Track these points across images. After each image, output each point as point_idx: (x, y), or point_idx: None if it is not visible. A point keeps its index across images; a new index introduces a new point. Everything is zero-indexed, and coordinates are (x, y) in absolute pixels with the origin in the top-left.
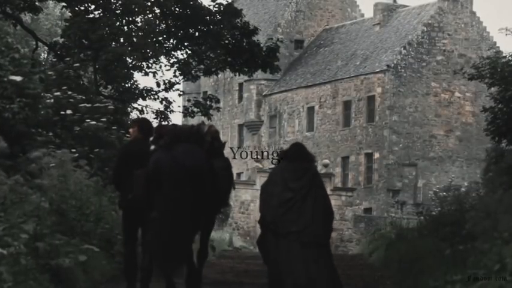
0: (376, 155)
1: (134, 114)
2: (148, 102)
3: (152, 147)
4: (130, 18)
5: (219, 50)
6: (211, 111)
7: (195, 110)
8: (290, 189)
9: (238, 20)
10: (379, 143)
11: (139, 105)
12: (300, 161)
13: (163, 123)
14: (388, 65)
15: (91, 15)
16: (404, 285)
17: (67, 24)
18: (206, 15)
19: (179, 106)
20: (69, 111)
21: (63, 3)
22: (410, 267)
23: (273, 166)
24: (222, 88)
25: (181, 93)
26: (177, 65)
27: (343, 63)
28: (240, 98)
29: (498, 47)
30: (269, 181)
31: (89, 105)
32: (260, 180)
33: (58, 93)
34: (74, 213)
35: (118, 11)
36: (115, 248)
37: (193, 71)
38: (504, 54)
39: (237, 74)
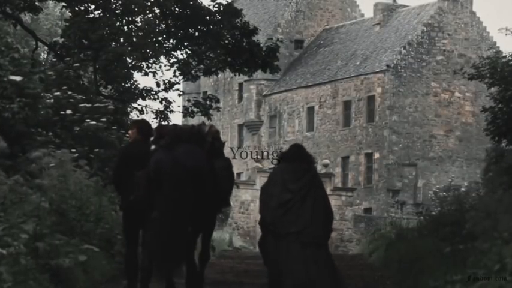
0: (376, 155)
1: (134, 114)
2: (148, 102)
3: (153, 147)
4: (130, 18)
5: (219, 50)
6: (211, 111)
7: (195, 110)
8: (289, 190)
9: (238, 20)
10: (379, 143)
11: (139, 105)
12: (299, 162)
13: (163, 123)
14: (388, 65)
15: (91, 15)
16: (404, 285)
17: (67, 24)
18: (206, 15)
19: (179, 106)
20: (69, 111)
21: (63, 3)
22: (410, 267)
23: (273, 166)
24: (222, 88)
25: (181, 93)
26: (177, 65)
27: (343, 63)
28: (240, 98)
29: (498, 47)
30: (269, 182)
31: (89, 105)
32: (260, 180)
33: (58, 93)
34: (73, 213)
35: (118, 11)
36: (115, 248)
37: (193, 71)
38: (504, 54)
39: (237, 74)
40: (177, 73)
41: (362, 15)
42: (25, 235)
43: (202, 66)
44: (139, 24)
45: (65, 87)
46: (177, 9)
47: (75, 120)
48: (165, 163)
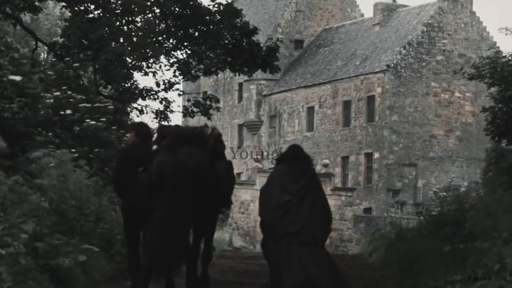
0: (376, 155)
1: (134, 114)
2: (148, 102)
3: (154, 147)
4: (130, 18)
5: (218, 50)
6: (211, 111)
7: (195, 110)
8: (288, 191)
9: (238, 20)
10: (379, 143)
11: (139, 105)
12: (298, 163)
13: (163, 123)
14: (388, 65)
15: (91, 15)
16: (404, 285)
17: (67, 24)
18: (206, 15)
19: (179, 106)
20: (68, 111)
21: (63, 3)
22: (410, 267)
23: (272, 166)
24: (222, 88)
25: (181, 93)
26: (176, 65)
27: (343, 63)
28: (240, 98)
29: (498, 47)
30: (268, 184)
31: (89, 105)
32: (260, 180)
33: (58, 93)
34: (73, 213)
35: (118, 11)
36: (115, 248)
37: (193, 71)
38: (504, 54)
39: (237, 74)
40: (177, 73)
41: (362, 15)
42: (25, 235)
43: (202, 66)
44: (139, 24)
45: (64, 87)
46: (177, 9)
47: (75, 120)
48: (167, 165)
